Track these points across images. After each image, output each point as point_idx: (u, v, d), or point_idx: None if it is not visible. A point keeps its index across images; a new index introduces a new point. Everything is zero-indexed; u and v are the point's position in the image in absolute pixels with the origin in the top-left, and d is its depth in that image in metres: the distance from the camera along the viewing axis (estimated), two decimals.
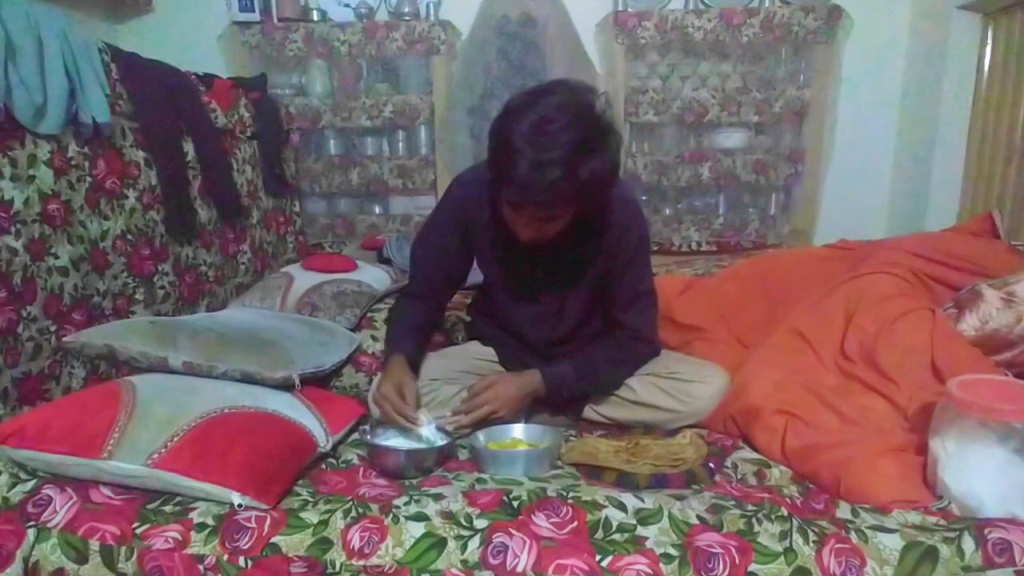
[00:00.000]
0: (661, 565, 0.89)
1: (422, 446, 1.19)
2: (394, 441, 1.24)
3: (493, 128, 1.13)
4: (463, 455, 1.27)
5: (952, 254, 1.53)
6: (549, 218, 1.15)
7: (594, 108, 1.10)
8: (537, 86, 1.15)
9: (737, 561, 0.88)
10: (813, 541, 0.90)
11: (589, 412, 1.45)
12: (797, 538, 0.91)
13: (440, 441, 1.21)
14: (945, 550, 0.88)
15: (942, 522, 0.93)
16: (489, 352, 1.52)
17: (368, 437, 1.23)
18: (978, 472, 0.97)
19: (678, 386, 1.38)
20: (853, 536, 0.90)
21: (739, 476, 1.17)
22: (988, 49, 2.37)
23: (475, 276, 1.50)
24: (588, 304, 1.40)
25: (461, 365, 1.48)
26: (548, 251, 1.27)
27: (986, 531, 0.89)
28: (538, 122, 1.06)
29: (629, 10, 2.59)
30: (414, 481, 1.12)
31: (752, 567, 0.88)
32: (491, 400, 1.27)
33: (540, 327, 1.42)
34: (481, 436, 1.24)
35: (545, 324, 1.41)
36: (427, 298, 1.45)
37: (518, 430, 1.28)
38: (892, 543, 0.89)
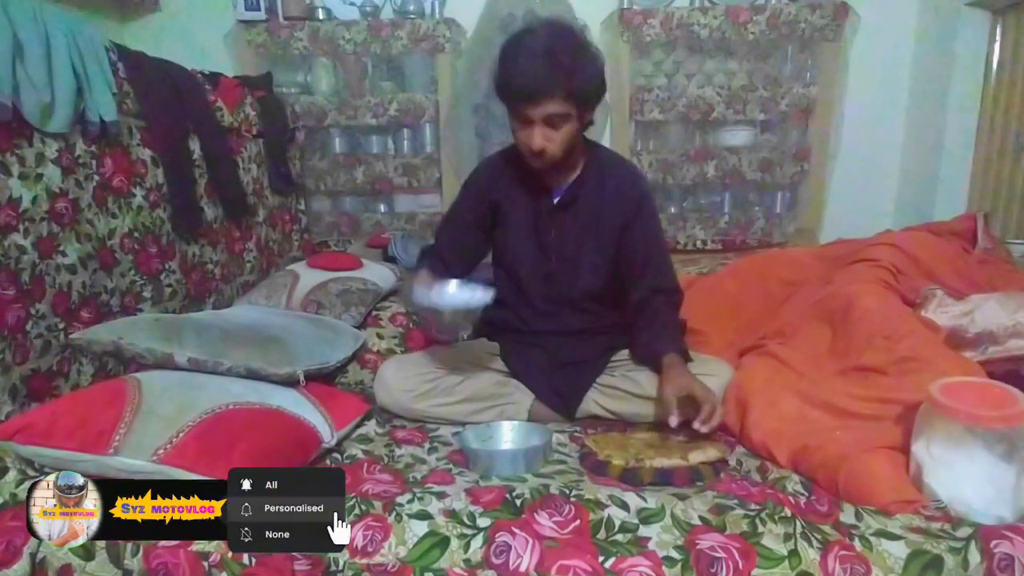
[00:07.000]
0: (664, 568, 0.89)
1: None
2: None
3: (495, 68, 1.34)
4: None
5: (920, 264, 1.53)
6: (556, 115, 1.28)
7: (574, 27, 1.37)
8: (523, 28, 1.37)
9: (740, 565, 0.88)
10: (817, 547, 0.90)
11: (594, 407, 1.45)
12: (801, 542, 0.90)
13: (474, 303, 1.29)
14: (950, 560, 0.87)
15: (947, 527, 0.93)
16: (493, 346, 1.55)
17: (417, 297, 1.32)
18: (966, 478, 0.96)
19: None
20: (857, 544, 0.90)
21: (743, 471, 1.17)
22: (997, 46, 2.35)
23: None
24: (598, 269, 1.45)
25: (466, 356, 1.51)
26: (563, 211, 1.44)
27: (992, 543, 0.88)
28: (528, 34, 1.30)
29: (635, 8, 2.58)
30: (417, 476, 1.13)
31: (756, 572, 0.88)
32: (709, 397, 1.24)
33: (554, 285, 1.48)
34: (470, 436, 1.24)
35: (558, 283, 1.48)
36: (438, 265, 1.56)
37: (507, 429, 1.29)
38: (897, 551, 0.89)
